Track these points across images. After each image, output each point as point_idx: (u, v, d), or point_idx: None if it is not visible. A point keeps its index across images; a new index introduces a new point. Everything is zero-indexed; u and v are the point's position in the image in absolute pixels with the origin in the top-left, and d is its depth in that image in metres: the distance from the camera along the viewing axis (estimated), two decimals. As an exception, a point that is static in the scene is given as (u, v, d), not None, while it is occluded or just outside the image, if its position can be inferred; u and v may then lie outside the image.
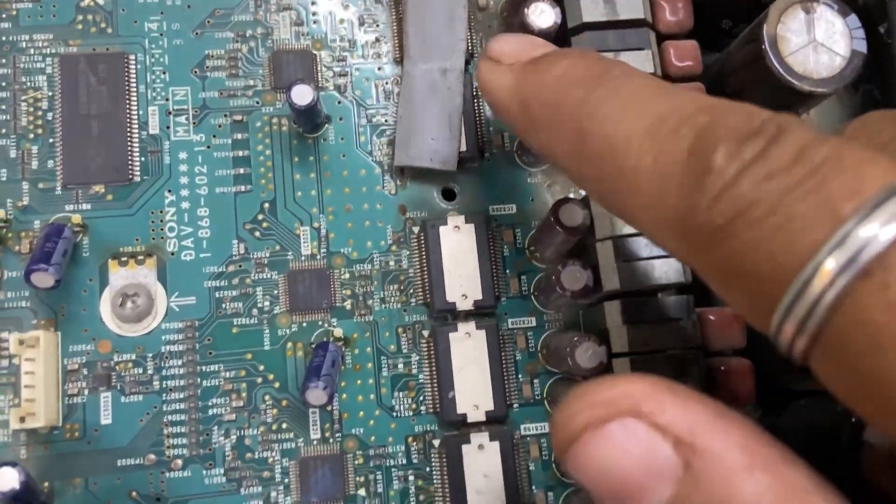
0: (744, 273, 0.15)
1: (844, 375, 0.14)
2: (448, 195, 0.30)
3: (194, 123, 0.29)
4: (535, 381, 0.28)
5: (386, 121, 0.30)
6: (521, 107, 0.21)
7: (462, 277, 0.28)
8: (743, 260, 0.15)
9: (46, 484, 0.26)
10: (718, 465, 0.15)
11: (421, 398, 0.28)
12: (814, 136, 0.15)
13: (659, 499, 0.15)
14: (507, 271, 0.29)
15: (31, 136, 0.28)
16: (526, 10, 0.27)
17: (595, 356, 0.25)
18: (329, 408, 0.28)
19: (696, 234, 0.16)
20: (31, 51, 0.28)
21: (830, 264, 0.13)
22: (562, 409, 0.16)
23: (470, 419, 0.27)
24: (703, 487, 0.15)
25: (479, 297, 0.28)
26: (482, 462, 0.27)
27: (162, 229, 0.28)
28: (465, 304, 0.28)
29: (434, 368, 0.28)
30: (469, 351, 0.28)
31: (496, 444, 0.27)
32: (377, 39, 0.30)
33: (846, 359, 0.14)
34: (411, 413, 0.28)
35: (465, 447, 0.27)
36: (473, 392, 0.28)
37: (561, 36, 0.27)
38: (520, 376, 0.28)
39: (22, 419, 0.25)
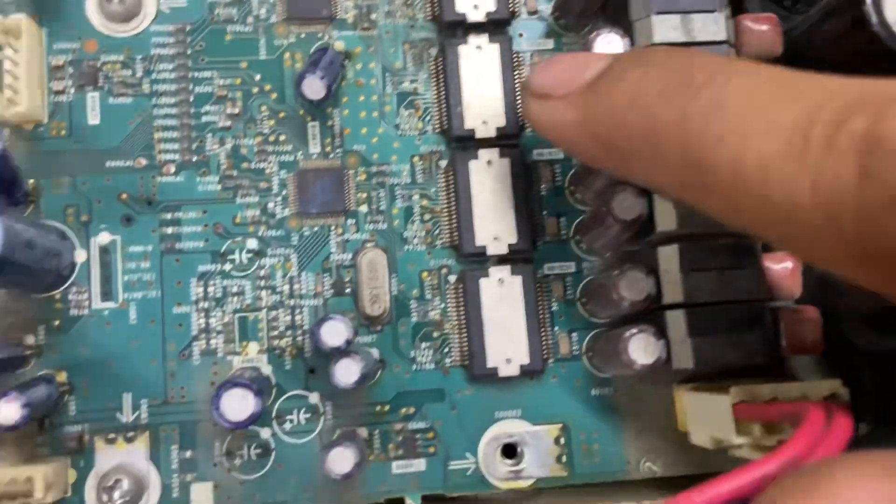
0: None
1: None
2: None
3: None
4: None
5: None
6: (599, 143, 0.18)
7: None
8: None
9: (32, 181, 0.24)
10: None
11: (427, 118, 0.26)
12: None
13: None
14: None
15: None
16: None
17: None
18: (329, 123, 0.26)
19: None
20: None
21: None
22: None
23: (478, 135, 0.25)
24: None
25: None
26: (489, 178, 0.25)
27: (150, -72, 0.26)
28: (476, 15, 0.26)
29: (442, 87, 0.26)
30: (481, 67, 0.26)
31: (506, 161, 0.26)
32: None
33: None
34: (417, 132, 0.26)
35: (472, 163, 0.25)
36: (481, 110, 0.26)
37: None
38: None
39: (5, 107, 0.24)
